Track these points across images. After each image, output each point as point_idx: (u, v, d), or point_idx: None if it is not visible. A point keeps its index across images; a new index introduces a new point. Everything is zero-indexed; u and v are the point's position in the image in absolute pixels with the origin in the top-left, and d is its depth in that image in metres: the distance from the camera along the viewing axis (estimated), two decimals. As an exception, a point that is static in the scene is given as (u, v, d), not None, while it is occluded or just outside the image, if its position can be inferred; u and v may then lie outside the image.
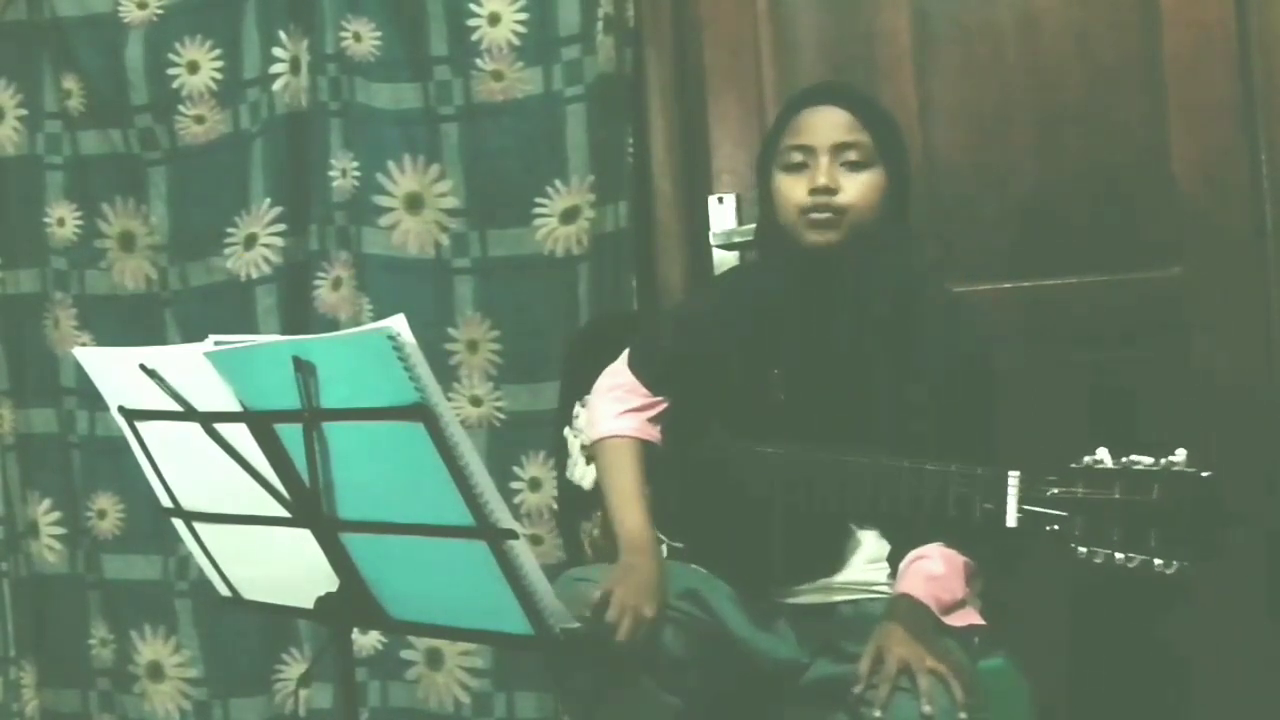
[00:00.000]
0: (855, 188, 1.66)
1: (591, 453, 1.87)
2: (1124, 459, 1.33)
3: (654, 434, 1.81)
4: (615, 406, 1.82)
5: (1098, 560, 1.33)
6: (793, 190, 1.68)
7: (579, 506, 1.99)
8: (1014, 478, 1.39)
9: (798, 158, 1.68)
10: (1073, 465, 1.36)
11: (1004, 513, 1.39)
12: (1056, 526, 1.35)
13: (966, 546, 1.61)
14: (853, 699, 1.47)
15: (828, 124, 1.67)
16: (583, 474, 1.98)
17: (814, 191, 1.65)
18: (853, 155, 1.66)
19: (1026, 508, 1.38)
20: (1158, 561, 1.29)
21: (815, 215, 1.65)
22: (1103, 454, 1.35)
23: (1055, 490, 1.36)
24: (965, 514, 1.42)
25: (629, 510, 1.73)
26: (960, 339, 1.69)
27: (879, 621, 1.55)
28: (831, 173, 1.65)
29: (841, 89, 1.76)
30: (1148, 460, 1.31)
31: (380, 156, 2.41)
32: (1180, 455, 1.30)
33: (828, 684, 1.59)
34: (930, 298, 1.72)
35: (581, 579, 1.68)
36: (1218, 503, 1.28)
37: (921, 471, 1.47)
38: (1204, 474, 1.28)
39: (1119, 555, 1.31)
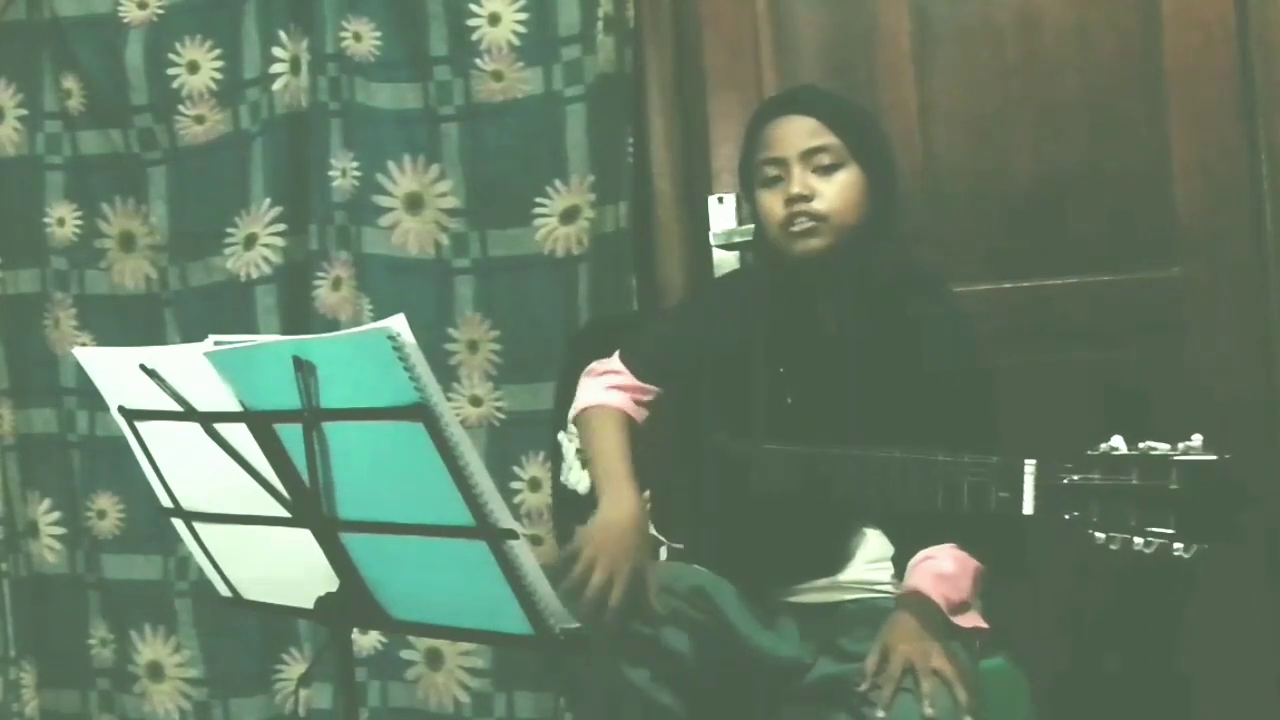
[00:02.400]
0: (832, 191, 1.66)
1: (576, 424, 1.85)
2: (1140, 445, 1.33)
3: (639, 415, 1.80)
4: (603, 382, 1.82)
5: (1114, 547, 1.33)
6: (772, 205, 1.69)
7: (575, 511, 1.99)
8: (1030, 466, 1.39)
9: (772, 171, 1.69)
10: (1089, 452, 1.36)
11: (1020, 501, 1.39)
12: (1076, 513, 1.35)
13: (976, 546, 1.61)
14: (856, 698, 1.47)
15: (793, 133, 1.67)
16: (578, 478, 1.98)
17: (789, 201, 1.65)
18: (824, 159, 1.66)
19: (1043, 495, 1.38)
20: (1177, 546, 1.29)
21: (797, 227, 1.66)
22: (1118, 441, 1.35)
23: (1073, 477, 1.36)
24: (980, 503, 1.42)
25: (611, 470, 1.69)
26: (959, 336, 1.69)
27: (887, 618, 1.56)
28: (804, 180, 1.66)
29: (803, 95, 1.75)
30: (1164, 446, 1.31)
31: (380, 156, 2.41)
32: (1196, 440, 1.31)
33: (830, 683, 1.59)
34: (927, 295, 1.72)
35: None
36: (1238, 485, 1.28)
37: (933, 463, 1.47)
38: (1223, 457, 1.29)
39: (1137, 540, 1.31)
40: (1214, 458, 1.29)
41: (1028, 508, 1.39)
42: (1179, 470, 1.29)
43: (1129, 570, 2.09)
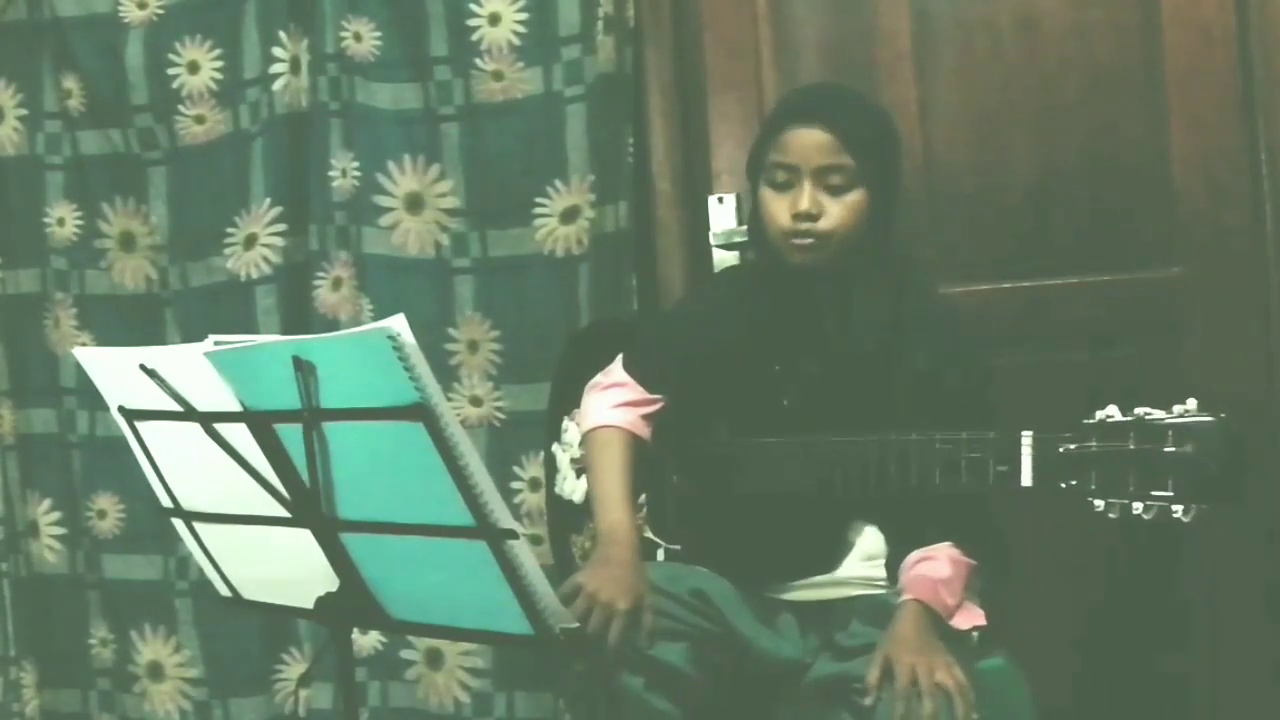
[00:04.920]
0: (837, 211, 1.65)
1: (582, 443, 1.86)
2: (1135, 410, 1.33)
3: (646, 431, 1.81)
4: (610, 399, 1.82)
5: (1114, 514, 1.33)
6: (778, 210, 1.68)
7: (569, 520, 1.99)
8: (1027, 437, 1.39)
9: (782, 176, 1.68)
10: (1085, 421, 1.36)
11: (1019, 473, 1.39)
12: (1074, 482, 1.35)
13: (969, 543, 1.61)
14: (863, 710, 1.47)
15: (811, 146, 1.65)
16: (573, 489, 1.98)
17: (796, 216, 1.65)
18: (835, 179, 1.65)
19: (1041, 466, 1.38)
20: (1175, 508, 1.29)
21: (798, 240, 1.65)
22: (1113, 409, 1.35)
23: (1069, 446, 1.35)
24: (979, 480, 1.42)
25: (611, 501, 1.72)
26: (953, 339, 1.69)
27: (886, 624, 1.55)
28: (814, 197, 1.65)
29: (827, 106, 1.69)
30: (1159, 412, 1.31)
31: (380, 156, 2.41)
32: (1191, 404, 1.31)
33: (830, 682, 1.59)
34: (920, 302, 1.72)
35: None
36: (1235, 445, 1.28)
37: (932, 442, 1.47)
38: (1219, 417, 1.29)
39: (1136, 505, 1.31)
40: (1210, 418, 1.29)
41: (1026, 479, 1.40)
42: (1175, 433, 1.29)
43: (1128, 565, 2.10)
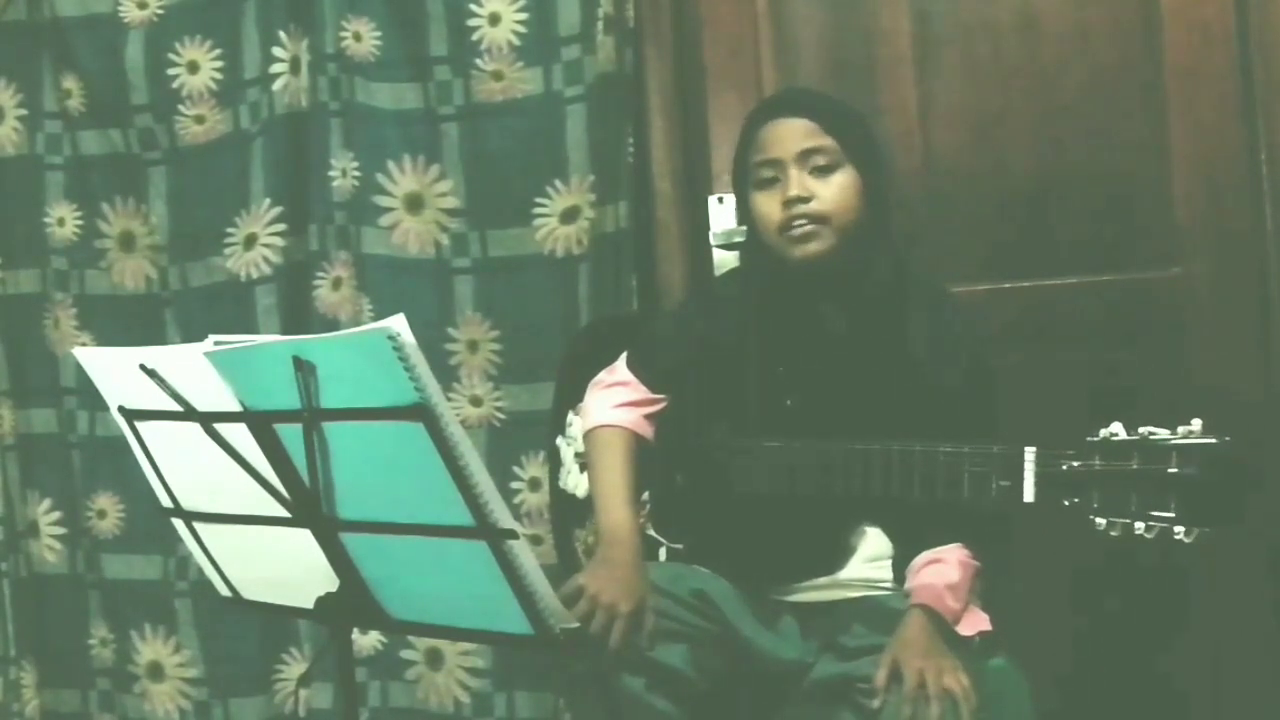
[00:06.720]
0: (829, 192, 1.65)
1: (584, 441, 1.86)
2: (1140, 430, 1.33)
3: (649, 430, 1.81)
4: (612, 399, 1.82)
5: (1115, 533, 1.33)
6: (769, 207, 1.68)
7: (573, 515, 1.99)
8: (1030, 453, 1.39)
9: (767, 173, 1.68)
10: (1089, 439, 1.36)
11: (1021, 489, 1.39)
12: (1076, 499, 1.35)
13: (976, 545, 1.61)
14: (867, 711, 1.48)
15: (789, 134, 1.66)
16: (576, 483, 1.98)
17: (788, 203, 1.65)
18: (820, 160, 1.65)
19: (1044, 482, 1.38)
20: (1177, 530, 1.29)
21: (796, 230, 1.65)
22: (1117, 427, 1.35)
23: (1073, 463, 1.35)
24: (981, 493, 1.42)
25: (613, 501, 1.71)
26: (959, 336, 1.69)
27: (893, 627, 1.56)
28: (802, 181, 1.65)
29: (796, 97, 1.75)
30: (1164, 431, 1.31)
31: (380, 156, 2.41)
32: (1196, 424, 1.31)
33: (832, 683, 1.59)
34: (925, 295, 1.72)
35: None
36: (1238, 468, 1.28)
37: (935, 453, 1.47)
38: (1224, 440, 1.29)
39: (1138, 525, 1.31)
40: (1214, 441, 1.29)
41: (1028, 495, 1.39)
42: (1179, 454, 1.29)
43: (1129, 567, 2.10)
